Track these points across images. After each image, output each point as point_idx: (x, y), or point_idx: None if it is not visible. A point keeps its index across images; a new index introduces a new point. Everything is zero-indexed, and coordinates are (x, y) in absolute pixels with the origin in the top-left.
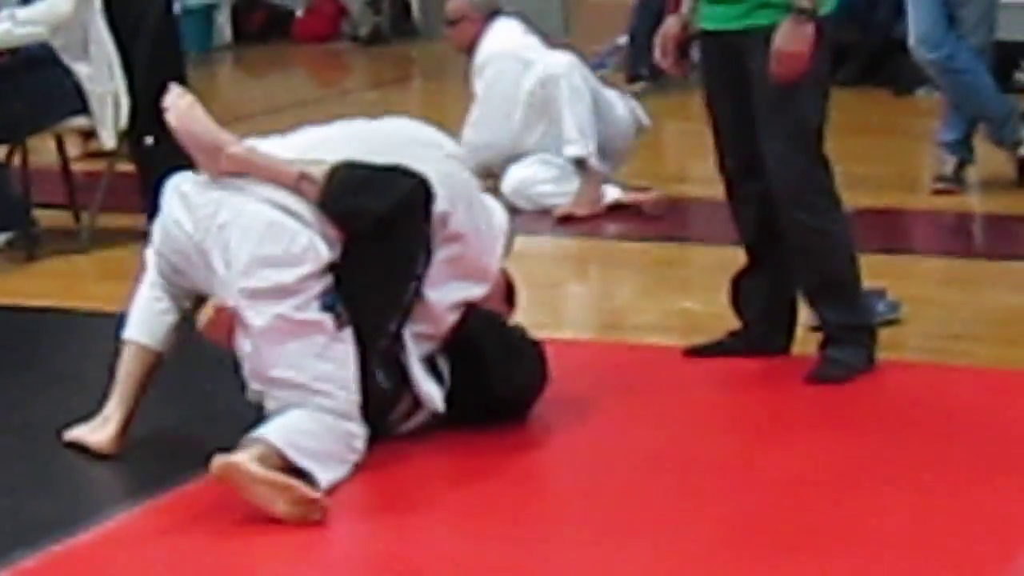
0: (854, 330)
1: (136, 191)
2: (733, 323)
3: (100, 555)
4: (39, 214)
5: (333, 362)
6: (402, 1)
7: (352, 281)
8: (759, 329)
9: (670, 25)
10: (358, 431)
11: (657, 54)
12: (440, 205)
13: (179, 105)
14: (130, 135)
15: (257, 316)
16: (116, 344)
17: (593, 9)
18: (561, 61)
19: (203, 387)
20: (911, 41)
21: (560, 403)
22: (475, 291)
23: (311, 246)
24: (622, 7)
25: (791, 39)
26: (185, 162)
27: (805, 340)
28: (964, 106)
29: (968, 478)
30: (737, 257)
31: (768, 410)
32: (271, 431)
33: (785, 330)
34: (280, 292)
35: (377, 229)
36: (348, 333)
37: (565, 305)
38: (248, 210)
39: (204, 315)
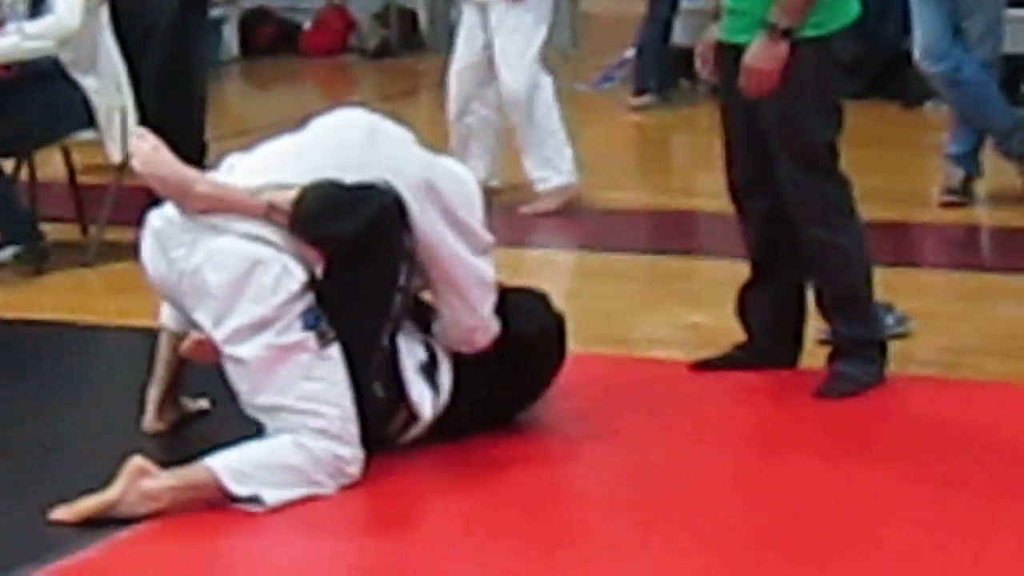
0: (864, 344)
1: (144, 205)
2: (741, 337)
3: (109, 570)
4: (47, 228)
5: (320, 381)
6: (410, 15)
7: (337, 300)
8: (766, 342)
9: (711, 33)
10: (351, 455)
11: (697, 62)
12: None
13: (143, 149)
14: None
15: (242, 350)
16: (125, 357)
17: (601, 22)
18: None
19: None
20: (916, 54)
21: (567, 416)
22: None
23: (284, 272)
24: (630, 20)
25: (760, 56)
26: None
27: (814, 353)
28: (971, 119)
29: (977, 493)
30: (745, 271)
31: (777, 425)
32: (216, 457)
33: (793, 343)
34: (260, 324)
35: (352, 250)
36: (335, 350)
37: (572, 318)
38: (219, 248)
39: (187, 342)
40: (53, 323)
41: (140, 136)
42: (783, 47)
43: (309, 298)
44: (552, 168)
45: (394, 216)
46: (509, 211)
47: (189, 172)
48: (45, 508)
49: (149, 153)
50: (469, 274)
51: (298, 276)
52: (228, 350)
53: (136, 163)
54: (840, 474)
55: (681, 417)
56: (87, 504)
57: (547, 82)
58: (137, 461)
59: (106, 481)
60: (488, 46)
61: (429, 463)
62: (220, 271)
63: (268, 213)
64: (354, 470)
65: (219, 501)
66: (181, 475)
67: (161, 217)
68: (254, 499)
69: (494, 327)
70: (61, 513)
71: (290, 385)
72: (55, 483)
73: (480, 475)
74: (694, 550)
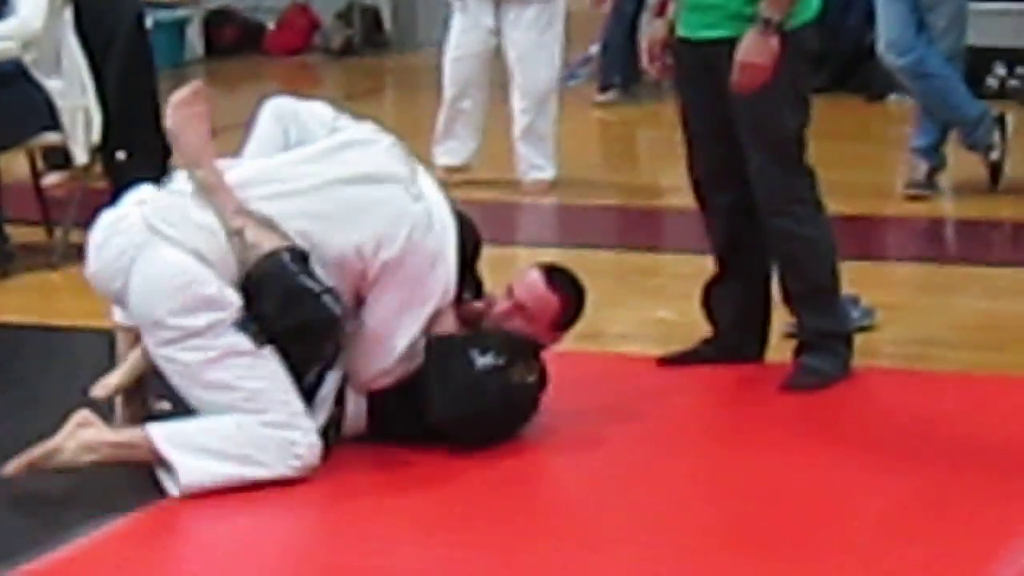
0: (830, 337)
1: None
2: (708, 331)
3: (74, 573)
4: (12, 230)
5: (261, 380)
6: (373, 13)
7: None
8: (732, 336)
9: (657, 29)
10: (302, 439)
11: (644, 59)
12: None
13: (181, 108)
14: (102, 150)
15: (176, 353)
16: (90, 358)
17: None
18: None
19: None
20: (880, 47)
21: (536, 412)
22: (424, 311)
23: (220, 295)
24: (595, 17)
25: (754, 51)
26: (156, 176)
27: (779, 347)
28: (936, 111)
29: (943, 482)
30: (711, 266)
31: (744, 418)
32: (158, 424)
33: (759, 337)
34: (191, 335)
35: (276, 334)
36: (268, 349)
37: None
38: (160, 257)
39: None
40: (18, 326)
41: (194, 91)
42: (774, 41)
43: (241, 312)
44: (548, 161)
45: (320, 332)
46: (481, 208)
47: (203, 151)
48: (11, 510)
49: (185, 114)
50: (384, 344)
51: (234, 302)
52: (160, 353)
53: (168, 113)
54: (807, 466)
55: (648, 411)
56: (33, 452)
57: None
58: (82, 412)
59: (72, 482)
60: (495, 33)
61: (393, 457)
62: (156, 280)
63: (233, 236)
64: (304, 452)
65: (150, 464)
66: (120, 431)
67: (141, 197)
68: (170, 469)
69: (378, 382)
70: (10, 468)
71: (234, 386)
72: (20, 485)
73: (446, 469)
74: (661, 543)
